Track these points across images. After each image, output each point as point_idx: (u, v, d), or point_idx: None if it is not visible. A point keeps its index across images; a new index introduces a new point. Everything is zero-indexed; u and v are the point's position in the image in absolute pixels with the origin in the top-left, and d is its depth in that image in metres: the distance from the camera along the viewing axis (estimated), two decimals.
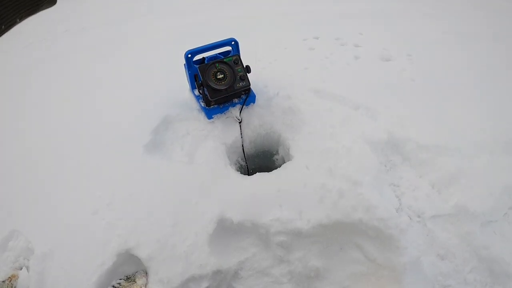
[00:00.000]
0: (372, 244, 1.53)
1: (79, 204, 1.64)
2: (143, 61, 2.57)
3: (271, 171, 1.77)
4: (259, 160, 2.04)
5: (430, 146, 1.88)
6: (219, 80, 1.76)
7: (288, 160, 1.81)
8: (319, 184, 1.59)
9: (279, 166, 1.98)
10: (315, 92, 2.07)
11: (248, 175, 2.00)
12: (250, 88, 1.86)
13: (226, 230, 1.58)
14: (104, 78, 2.45)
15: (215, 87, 1.74)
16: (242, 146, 1.90)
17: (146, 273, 1.47)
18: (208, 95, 1.76)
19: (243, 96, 1.89)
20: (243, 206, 1.58)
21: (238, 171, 1.92)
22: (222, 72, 1.77)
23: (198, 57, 1.86)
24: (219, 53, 1.95)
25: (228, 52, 1.93)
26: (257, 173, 1.71)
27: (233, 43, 1.86)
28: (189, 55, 1.80)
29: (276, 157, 1.99)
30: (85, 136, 1.94)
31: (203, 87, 1.77)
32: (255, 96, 1.93)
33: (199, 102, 1.89)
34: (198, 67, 1.77)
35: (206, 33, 2.26)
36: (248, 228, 1.57)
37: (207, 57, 1.92)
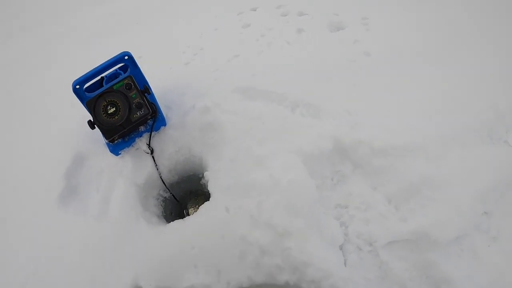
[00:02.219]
0: None
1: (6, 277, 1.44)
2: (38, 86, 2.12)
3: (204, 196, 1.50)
4: (186, 185, 1.74)
5: (387, 149, 1.54)
6: (111, 115, 1.41)
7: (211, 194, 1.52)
8: (239, 236, 1.31)
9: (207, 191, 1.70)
10: (242, 93, 1.68)
11: (178, 201, 1.74)
12: (156, 110, 1.50)
13: None
14: None
15: (107, 126, 1.39)
16: (161, 178, 1.60)
17: None
18: (103, 136, 1.43)
19: (150, 122, 1.53)
20: (156, 270, 1.34)
21: (161, 205, 1.65)
22: (113, 104, 1.41)
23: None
24: (119, 68, 1.56)
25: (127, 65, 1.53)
26: (173, 221, 1.44)
27: (126, 58, 1.46)
28: (77, 86, 1.43)
29: (203, 181, 1.69)
30: None
31: (94, 127, 1.43)
32: (164, 119, 1.57)
33: (103, 137, 1.55)
34: (86, 103, 1.42)
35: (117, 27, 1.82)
36: None
37: (106, 75, 1.53)
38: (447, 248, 1.39)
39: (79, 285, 1.38)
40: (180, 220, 1.43)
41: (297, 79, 1.70)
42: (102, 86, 1.54)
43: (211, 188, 1.46)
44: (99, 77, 1.53)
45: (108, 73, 1.56)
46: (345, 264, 1.39)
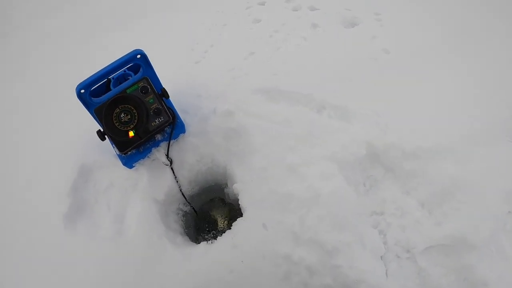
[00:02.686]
0: None
1: None
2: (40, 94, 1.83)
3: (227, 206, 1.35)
4: (207, 196, 1.59)
5: (417, 152, 1.50)
6: (125, 124, 1.22)
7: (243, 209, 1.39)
8: (282, 255, 1.20)
9: (233, 200, 1.57)
10: (265, 94, 1.55)
11: (197, 215, 1.59)
12: (175, 116, 1.33)
13: None
14: None
15: (121, 137, 1.20)
16: (181, 191, 1.43)
17: None
18: (115, 149, 1.23)
19: (168, 129, 1.35)
20: None
21: (182, 221, 1.50)
22: (126, 111, 1.21)
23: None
24: (128, 69, 1.36)
25: (138, 65, 1.33)
26: (202, 243, 1.29)
27: (139, 56, 1.26)
28: (82, 91, 1.22)
29: (226, 190, 1.55)
30: None
31: (105, 137, 1.24)
32: (183, 125, 1.40)
33: (114, 148, 1.35)
34: (94, 110, 1.22)
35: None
36: None
37: (113, 77, 1.33)
38: (481, 250, 1.38)
39: None
40: (210, 241, 1.28)
41: (320, 78, 1.60)
42: (109, 89, 1.34)
43: (243, 202, 1.32)
44: (105, 80, 1.33)
45: (116, 74, 1.35)
46: (386, 274, 1.33)
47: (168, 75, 1.49)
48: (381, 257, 1.35)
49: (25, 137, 1.55)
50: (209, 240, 1.31)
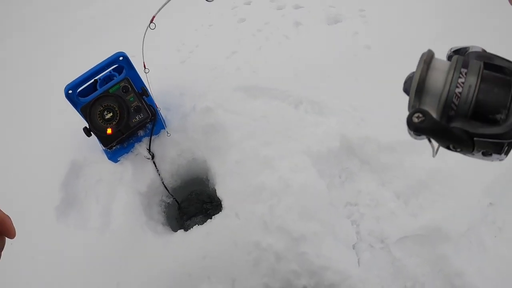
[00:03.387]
0: None
1: None
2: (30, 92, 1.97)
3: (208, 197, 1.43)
4: (190, 188, 1.68)
5: (394, 145, 1.53)
6: (108, 120, 1.33)
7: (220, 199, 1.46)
8: (252, 242, 1.27)
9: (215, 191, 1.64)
10: (245, 91, 1.62)
11: (179, 208, 1.67)
12: (155, 113, 1.42)
13: None
14: None
15: (104, 133, 1.31)
16: (163, 183, 1.52)
17: None
18: (100, 143, 1.34)
19: (149, 125, 1.45)
20: (167, 284, 1.28)
21: (164, 212, 1.58)
22: (109, 109, 1.32)
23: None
24: (113, 70, 1.46)
25: (121, 67, 1.43)
26: (179, 231, 1.37)
27: (121, 58, 1.36)
28: (70, 91, 1.33)
29: (207, 183, 1.63)
30: None
31: (91, 133, 1.34)
32: (163, 122, 1.49)
33: (100, 144, 1.46)
34: (80, 109, 1.33)
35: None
36: None
37: (100, 77, 1.44)
38: (457, 241, 1.39)
39: None
40: (190, 229, 1.37)
41: (299, 75, 1.65)
42: (95, 89, 1.45)
43: (219, 193, 1.40)
44: (92, 80, 1.44)
45: (102, 75, 1.46)
46: (358, 263, 1.37)
47: (153, 75, 1.58)
48: (353, 246, 1.40)
49: (19, 135, 1.69)
50: (188, 228, 1.39)
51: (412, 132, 0.33)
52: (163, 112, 1.51)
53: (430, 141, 0.34)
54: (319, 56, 1.71)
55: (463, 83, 0.28)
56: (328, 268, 1.21)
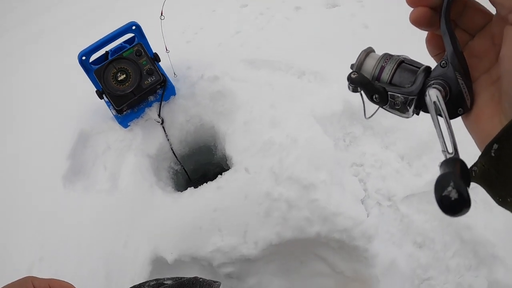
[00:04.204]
0: (336, 255, 1.28)
1: (8, 266, 1.32)
2: (37, 67, 2.03)
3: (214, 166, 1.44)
4: (198, 157, 1.70)
5: None
6: (121, 82, 1.37)
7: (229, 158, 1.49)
8: (263, 193, 1.28)
9: (221, 160, 1.66)
10: (249, 63, 1.68)
11: (188, 177, 1.68)
12: (165, 79, 1.46)
13: (164, 269, 1.30)
14: None
15: (118, 93, 1.34)
16: (172, 149, 1.54)
17: None
18: (113, 104, 1.37)
19: (160, 91, 1.49)
20: (177, 239, 1.28)
21: (172, 179, 1.59)
22: (123, 71, 1.37)
23: (101, 52, 1.45)
24: (124, 42, 1.51)
25: (132, 39, 1.49)
26: (189, 189, 1.38)
27: (134, 27, 1.42)
28: (83, 57, 1.37)
29: (215, 151, 1.65)
30: None
31: (104, 95, 1.38)
32: (174, 88, 1.54)
33: (111, 110, 1.49)
34: (94, 72, 1.37)
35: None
36: (188, 263, 1.29)
37: (111, 49, 1.49)
38: None
39: (93, 263, 1.30)
40: (199, 186, 1.38)
41: (301, 50, 1.72)
42: (107, 59, 1.49)
43: (229, 151, 1.42)
44: (103, 52, 1.49)
45: (113, 47, 1.51)
46: (368, 217, 1.39)
47: (160, 52, 1.64)
48: (362, 200, 1.41)
49: (28, 104, 1.71)
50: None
51: (349, 85, 0.47)
52: (171, 82, 1.56)
53: (361, 95, 0.48)
54: (319, 34, 1.79)
55: (384, 66, 0.44)
56: (339, 214, 1.23)
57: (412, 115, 0.45)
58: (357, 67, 0.48)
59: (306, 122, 1.44)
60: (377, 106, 0.47)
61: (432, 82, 0.41)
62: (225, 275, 1.28)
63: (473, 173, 0.38)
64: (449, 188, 0.31)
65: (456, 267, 1.37)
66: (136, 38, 1.47)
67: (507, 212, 0.37)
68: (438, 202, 0.32)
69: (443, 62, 0.40)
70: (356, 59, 0.48)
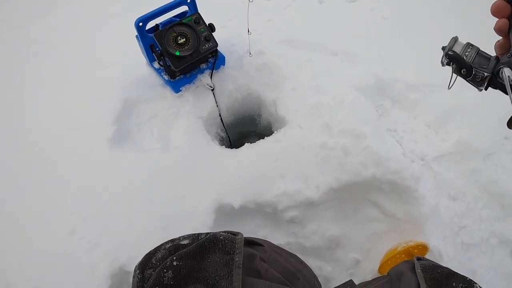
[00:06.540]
0: (388, 199, 1.39)
1: (52, 227, 1.33)
2: (86, 42, 2.10)
3: (257, 136, 1.54)
4: (241, 127, 1.79)
5: (418, 85, 1.77)
6: (181, 45, 1.47)
7: (274, 121, 1.59)
8: (319, 143, 1.40)
9: (265, 129, 1.76)
10: (287, 43, 1.84)
11: (231, 146, 1.76)
12: (217, 50, 1.58)
13: (227, 218, 1.35)
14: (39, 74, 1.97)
15: (178, 54, 1.44)
16: (220, 115, 1.64)
17: None
18: (171, 66, 1.46)
19: (211, 60, 1.60)
20: (240, 186, 1.35)
21: (222, 145, 1.67)
22: (183, 35, 1.47)
23: (150, 24, 1.54)
24: (174, 17, 1.63)
25: (184, 13, 1.61)
26: (246, 144, 1.47)
27: (189, 0, 1.55)
28: (140, 24, 1.47)
29: (258, 121, 1.76)
30: (39, 143, 1.56)
31: (163, 57, 1.47)
32: (224, 58, 1.66)
33: (162, 76, 1.58)
34: (154, 34, 1.46)
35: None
36: (252, 210, 1.36)
37: (161, 23, 1.60)
38: (485, 160, 1.59)
39: (147, 218, 1.32)
40: (253, 143, 1.47)
41: (329, 35, 1.90)
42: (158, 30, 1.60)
43: (280, 111, 1.54)
44: (154, 24, 1.59)
45: (163, 21, 1.62)
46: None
47: None
48: (402, 154, 1.55)
49: (76, 73, 1.77)
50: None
51: (444, 59, 0.64)
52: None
53: (453, 69, 0.64)
54: (344, 22, 2.00)
55: (470, 51, 0.62)
56: (390, 159, 1.36)
57: (482, 89, 0.63)
58: (449, 49, 0.65)
59: (347, 91, 1.60)
60: (455, 77, 0.65)
61: (502, 66, 0.59)
62: (288, 220, 1.35)
63: None
64: None
65: (487, 217, 1.51)
66: (189, 11, 1.60)
67: None
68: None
69: (509, 54, 0.58)
70: (448, 43, 0.66)
